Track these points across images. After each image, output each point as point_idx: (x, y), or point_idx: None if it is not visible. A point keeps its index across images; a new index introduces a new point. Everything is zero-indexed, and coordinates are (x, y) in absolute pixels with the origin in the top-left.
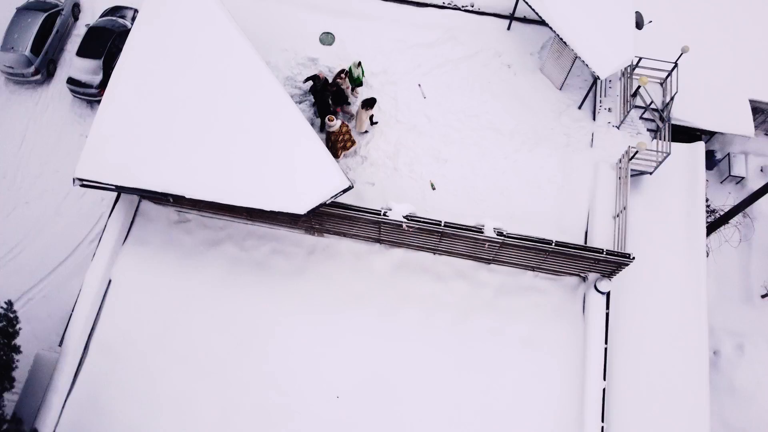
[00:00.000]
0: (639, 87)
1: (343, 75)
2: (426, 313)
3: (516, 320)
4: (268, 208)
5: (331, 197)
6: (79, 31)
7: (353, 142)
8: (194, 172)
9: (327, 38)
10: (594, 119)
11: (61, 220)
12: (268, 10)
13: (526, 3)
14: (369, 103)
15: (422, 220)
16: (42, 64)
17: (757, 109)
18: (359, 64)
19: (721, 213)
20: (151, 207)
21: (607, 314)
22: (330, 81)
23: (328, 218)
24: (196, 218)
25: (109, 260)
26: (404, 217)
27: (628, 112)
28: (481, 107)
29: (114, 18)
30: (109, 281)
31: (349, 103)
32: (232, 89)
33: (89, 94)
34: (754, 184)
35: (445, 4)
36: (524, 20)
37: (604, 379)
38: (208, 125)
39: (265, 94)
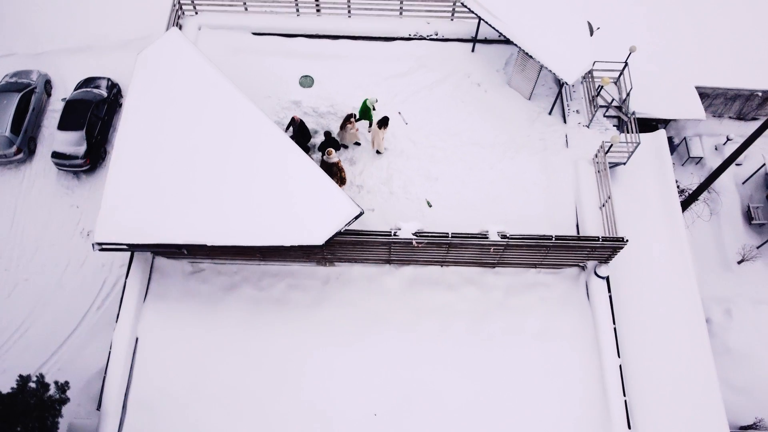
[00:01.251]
0: (601, 87)
1: (351, 120)
2: (443, 322)
3: (528, 316)
4: (288, 244)
5: (346, 225)
6: (54, 107)
7: (344, 181)
8: (210, 220)
9: (306, 81)
10: (565, 122)
11: (64, 292)
12: (247, 62)
13: (489, 25)
14: (384, 122)
15: (431, 234)
16: (23, 143)
17: (702, 94)
18: (376, 100)
19: (690, 192)
20: (165, 262)
21: (610, 297)
22: (340, 127)
23: (341, 246)
24: (209, 266)
25: (133, 319)
26: (413, 234)
27: (595, 112)
28: (460, 125)
29: (89, 89)
30: (137, 339)
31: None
32: (231, 137)
33: (75, 165)
34: (712, 162)
35: (411, 36)
36: (486, 41)
37: (618, 356)
38: (216, 174)
39: (263, 137)
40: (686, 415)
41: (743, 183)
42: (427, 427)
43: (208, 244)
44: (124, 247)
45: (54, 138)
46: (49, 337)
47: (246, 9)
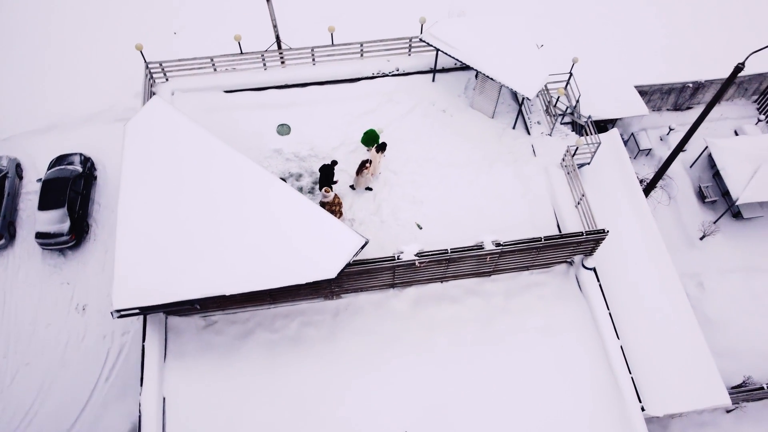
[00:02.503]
0: (558, 98)
1: (367, 165)
2: (453, 334)
3: (530, 315)
4: (303, 282)
5: (354, 255)
6: (28, 189)
7: (342, 214)
8: (221, 272)
9: (283, 129)
10: (529, 133)
11: (69, 370)
12: (223, 119)
13: (448, 55)
14: (382, 148)
15: (431, 253)
16: (2, 229)
17: (641, 92)
18: (382, 130)
19: (648, 181)
20: (178, 320)
21: (600, 285)
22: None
23: (347, 277)
24: (221, 317)
25: (157, 381)
26: (415, 255)
27: (555, 121)
28: (434, 150)
29: (63, 166)
30: (164, 399)
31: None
32: (229, 189)
33: (61, 242)
34: (660, 152)
35: (375, 75)
36: (444, 70)
37: (618, 337)
38: (220, 226)
39: (259, 185)
40: (686, 382)
41: (690, 167)
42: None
43: (227, 293)
44: (137, 311)
45: (35, 219)
46: (61, 418)
47: (215, 69)
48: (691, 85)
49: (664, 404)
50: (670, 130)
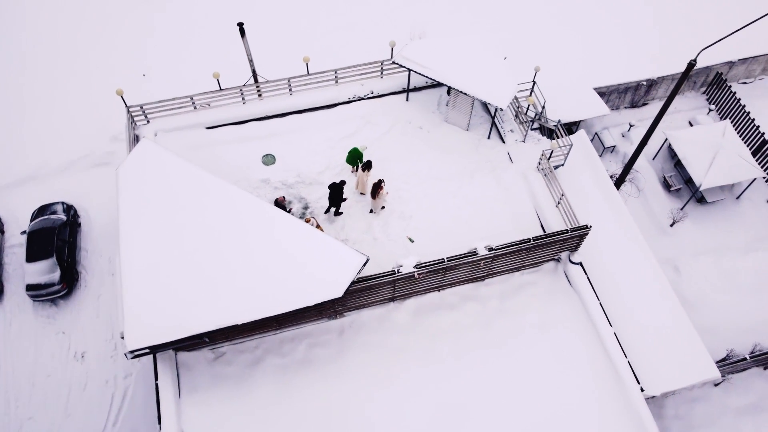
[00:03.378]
0: (529, 106)
1: (382, 185)
2: (456, 339)
3: (526, 314)
4: (312, 303)
5: (357, 273)
6: (11, 243)
7: None
8: (229, 303)
9: (268, 159)
10: (504, 142)
11: (74, 420)
12: (208, 155)
13: (421, 74)
14: (368, 166)
15: (429, 264)
16: None
17: (600, 93)
18: (365, 147)
19: (617, 176)
20: (188, 355)
21: (588, 278)
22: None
23: (351, 296)
24: (229, 348)
25: (175, 418)
26: (414, 267)
27: (527, 128)
28: (415, 165)
29: (46, 216)
30: None
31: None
32: (228, 221)
33: (53, 292)
34: (623, 148)
35: (351, 99)
36: (416, 89)
37: (611, 325)
38: (224, 259)
39: (256, 213)
40: (677, 360)
41: (653, 159)
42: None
43: (239, 322)
44: (147, 350)
45: (23, 272)
46: None
47: (195, 108)
48: (644, 82)
49: (660, 384)
50: (631, 126)
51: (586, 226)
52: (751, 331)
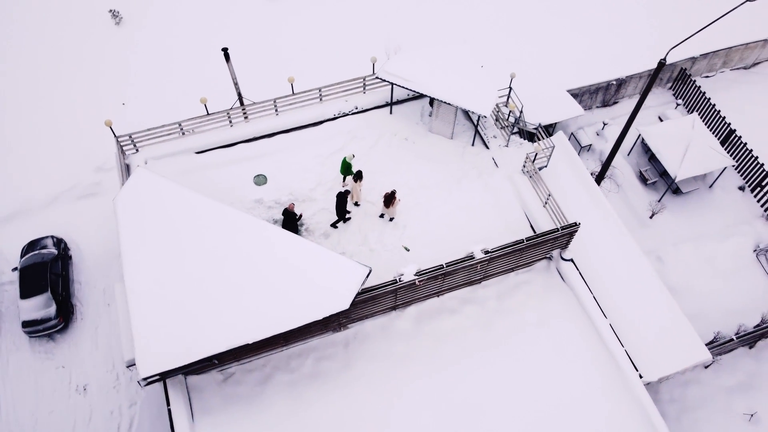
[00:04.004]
0: (510, 111)
1: (395, 195)
2: (459, 342)
3: (523, 312)
4: (321, 317)
5: (362, 284)
6: (1, 280)
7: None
8: (238, 323)
9: (260, 179)
10: (488, 148)
11: None
12: (199, 179)
13: (404, 87)
14: (359, 176)
15: (428, 270)
16: None
17: (573, 94)
18: (353, 156)
19: (596, 174)
20: (197, 379)
21: (580, 273)
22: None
23: (354, 307)
24: (238, 368)
25: None
26: (415, 275)
27: (510, 133)
28: (404, 176)
29: (37, 251)
30: None
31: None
32: (229, 241)
33: (50, 327)
34: (599, 146)
35: (337, 115)
36: (398, 102)
37: (605, 316)
38: (228, 280)
39: (256, 232)
40: (670, 346)
41: (628, 155)
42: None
43: (249, 341)
44: (158, 377)
45: (18, 309)
46: None
47: (183, 133)
48: (614, 82)
49: (656, 369)
50: (605, 124)
51: (576, 223)
52: (735, 313)
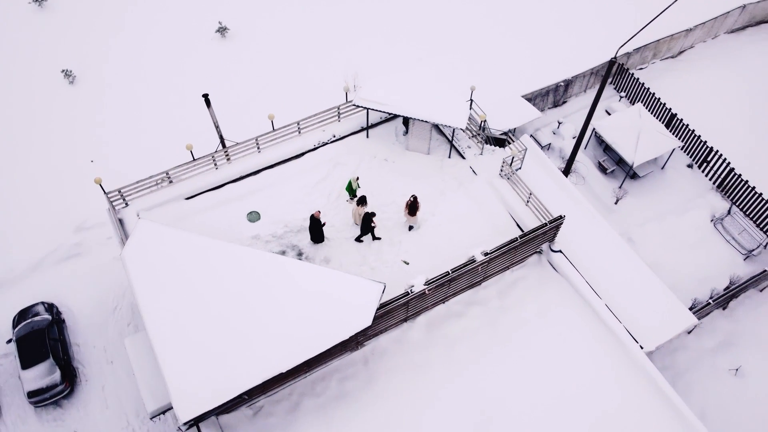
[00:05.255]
0: (483, 121)
1: (417, 202)
2: (471, 343)
3: (524, 306)
4: (347, 337)
5: (379, 299)
6: None
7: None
8: (268, 354)
9: (253, 216)
10: (464, 158)
11: None
12: (193, 223)
13: (380, 111)
14: (363, 201)
15: (436, 279)
16: None
17: (527, 99)
18: (357, 178)
19: (562, 169)
20: (228, 417)
21: (570, 262)
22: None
23: (372, 322)
24: (265, 401)
25: None
26: (424, 284)
27: (484, 143)
28: (390, 195)
29: (30, 320)
30: None
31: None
32: (242, 277)
33: (56, 393)
34: (557, 144)
35: (317, 146)
36: (373, 126)
37: (599, 297)
38: (251, 314)
39: (267, 265)
40: (659, 316)
41: (585, 148)
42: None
43: (283, 370)
44: (192, 421)
45: (20, 381)
46: None
47: (171, 182)
48: (562, 83)
49: (653, 339)
50: (559, 123)
51: (561, 216)
52: (705, 280)
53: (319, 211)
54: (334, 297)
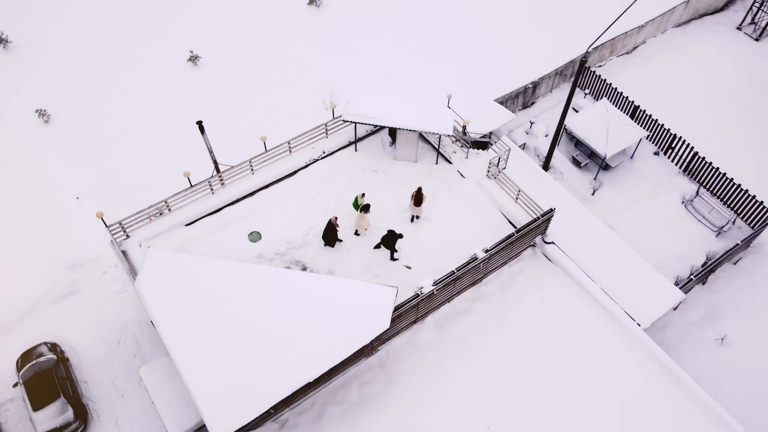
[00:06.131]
0: (465, 126)
1: (423, 193)
2: (480, 338)
3: (526, 297)
4: (368, 341)
5: (393, 302)
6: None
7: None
8: (293, 366)
9: (254, 236)
10: (451, 163)
11: None
12: (196, 248)
13: (369, 124)
14: (366, 209)
15: (443, 278)
16: None
17: (500, 102)
18: (363, 195)
19: (541, 166)
20: None
21: (563, 251)
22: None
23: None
24: (289, 413)
25: None
26: (432, 285)
27: (468, 147)
28: (383, 204)
29: (34, 361)
30: None
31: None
32: (258, 294)
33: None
34: (531, 143)
35: (308, 163)
36: (360, 139)
37: (594, 281)
38: (272, 330)
39: (279, 280)
40: (650, 294)
41: (558, 144)
42: (539, 416)
43: (311, 379)
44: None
45: (33, 424)
46: None
47: (170, 210)
48: (530, 85)
49: (648, 316)
50: (532, 123)
51: (552, 209)
52: (683, 258)
53: (336, 217)
54: (350, 304)
